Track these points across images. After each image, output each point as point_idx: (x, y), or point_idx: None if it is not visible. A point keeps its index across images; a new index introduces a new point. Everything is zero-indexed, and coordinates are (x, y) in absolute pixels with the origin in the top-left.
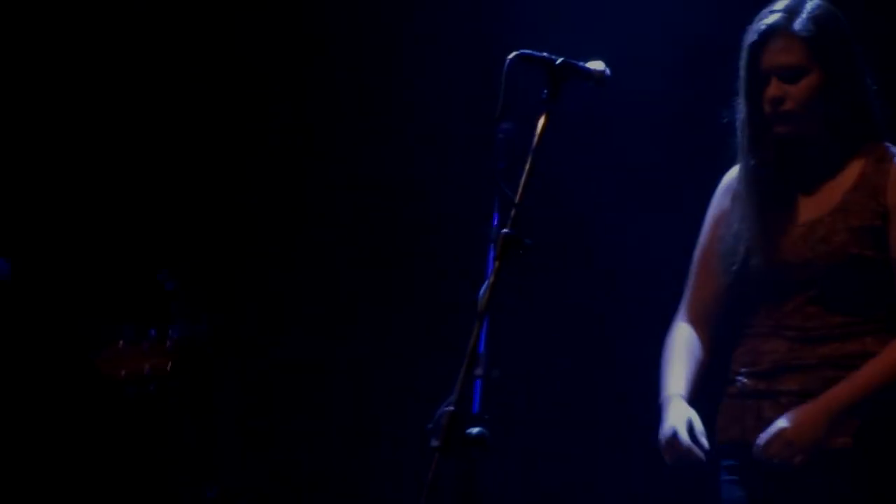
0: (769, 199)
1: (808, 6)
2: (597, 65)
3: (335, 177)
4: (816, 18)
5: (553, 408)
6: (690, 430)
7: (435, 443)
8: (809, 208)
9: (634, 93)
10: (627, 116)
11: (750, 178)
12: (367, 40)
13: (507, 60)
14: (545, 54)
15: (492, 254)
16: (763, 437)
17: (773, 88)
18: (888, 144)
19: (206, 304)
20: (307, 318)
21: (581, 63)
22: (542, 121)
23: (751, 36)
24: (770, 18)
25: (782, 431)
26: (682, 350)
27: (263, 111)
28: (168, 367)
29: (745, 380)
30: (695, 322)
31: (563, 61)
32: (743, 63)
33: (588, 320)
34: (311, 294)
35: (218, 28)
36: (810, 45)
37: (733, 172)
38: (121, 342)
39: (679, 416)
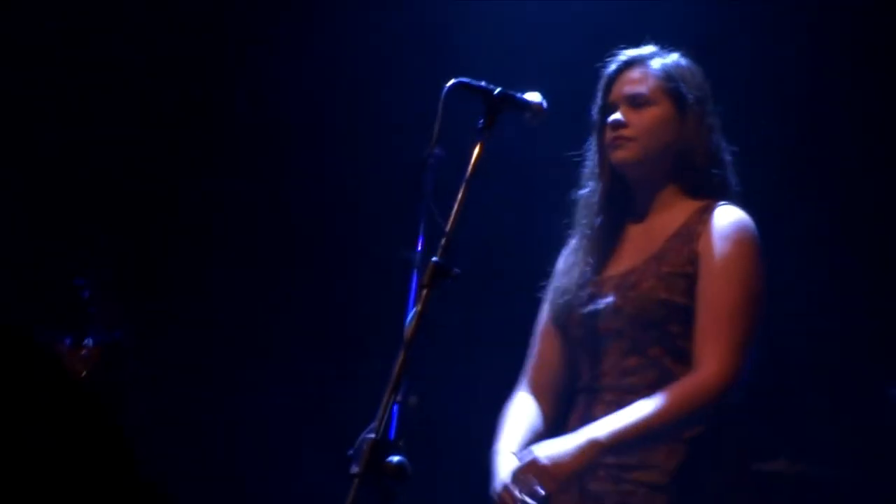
0: (595, 241)
1: (673, 55)
2: (534, 96)
3: (255, 190)
4: (677, 64)
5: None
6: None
7: (355, 469)
8: (631, 255)
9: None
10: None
11: (581, 218)
12: (294, 55)
13: (445, 88)
14: (483, 83)
15: (415, 280)
16: (517, 466)
17: (620, 112)
18: (718, 201)
19: (124, 312)
20: (225, 330)
21: (519, 94)
22: (476, 150)
23: (609, 66)
24: (631, 52)
25: (535, 461)
26: (516, 416)
27: (192, 120)
28: (83, 375)
29: None
30: (531, 391)
31: (501, 91)
32: (598, 93)
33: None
34: (230, 307)
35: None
36: (663, 81)
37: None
38: None
39: (506, 470)
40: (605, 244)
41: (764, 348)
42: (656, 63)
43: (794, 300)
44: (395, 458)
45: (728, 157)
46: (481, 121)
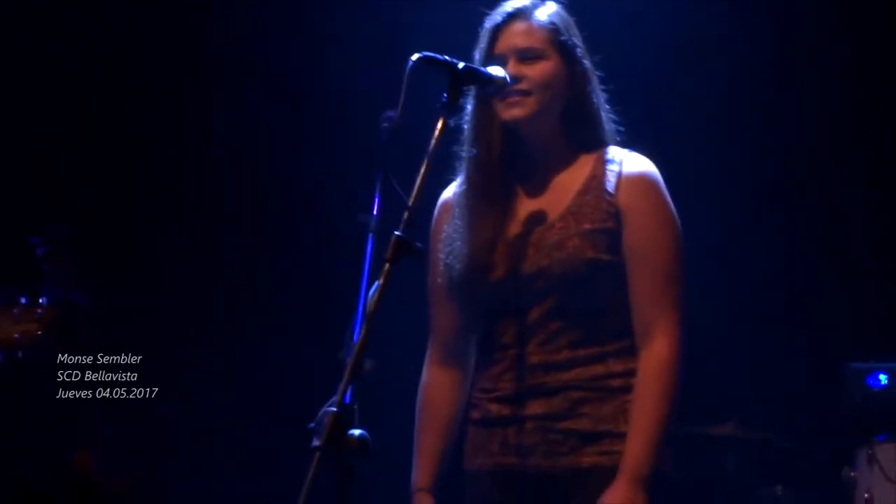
0: (492, 203)
1: (552, 4)
2: (497, 71)
3: (218, 153)
4: (560, 15)
5: None
6: None
7: (316, 443)
8: (537, 213)
9: None
10: None
11: (472, 180)
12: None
13: (410, 62)
14: (447, 57)
15: (371, 244)
16: None
17: (511, 67)
18: (614, 148)
19: (80, 270)
20: (185, 291)
21: (483, 69)
22: (439, 125)
23: (493, 19)
24: (515, 3)
25: None
26: (429, 414)
27: (154, 76)
28: (38, 335)
29: (488, 405)
30: (443, 361)
31: (465, 66)
32: (481, 46)
33: None
34: (189, 269)
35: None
36: (551, 33)
37: (449, 189)
38: None
39: None
40: (502, 202)
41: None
42: (541, 14)
43: (748, 267)
44: (357, 432)
45: (607, 107)
46: (444, 95)
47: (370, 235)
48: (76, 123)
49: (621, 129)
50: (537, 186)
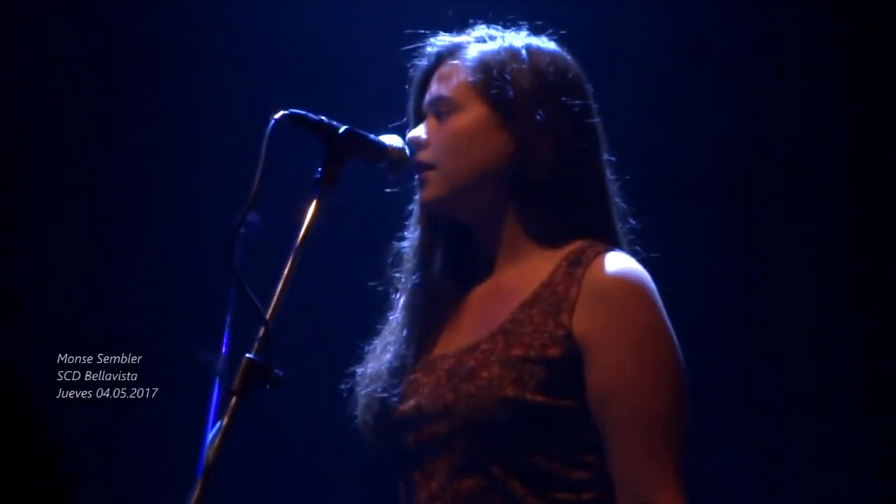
0: (423, 311)
1: (510, 35)
2: (393, 140)
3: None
4: (506, 49)
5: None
6: None
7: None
8: (472, 327)
9: None
10: None
11: (406, 281)
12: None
13: (271, 123)
14: (324, 118)
15: (218, 390)
16: None
17: (418, 128)
18: (596, 243)
19: None
20: None
21: (373, 136)
22: (311, 211)
23: (421, 61)
24: (447, 39)
25: None
26: None
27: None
28: None
29: None
30: None
31: (347, 130)
32: (410, 101)
33: None
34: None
35: None
36: (474, 75)
37: None
38: None
39: None
40: (431, 312)
41: None
42: (472, 51)
43: None
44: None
45: (600, 175)
46: (319, 170)
47: (217, 378)
48: None
49: (630, 220)
50: (484, 290)
